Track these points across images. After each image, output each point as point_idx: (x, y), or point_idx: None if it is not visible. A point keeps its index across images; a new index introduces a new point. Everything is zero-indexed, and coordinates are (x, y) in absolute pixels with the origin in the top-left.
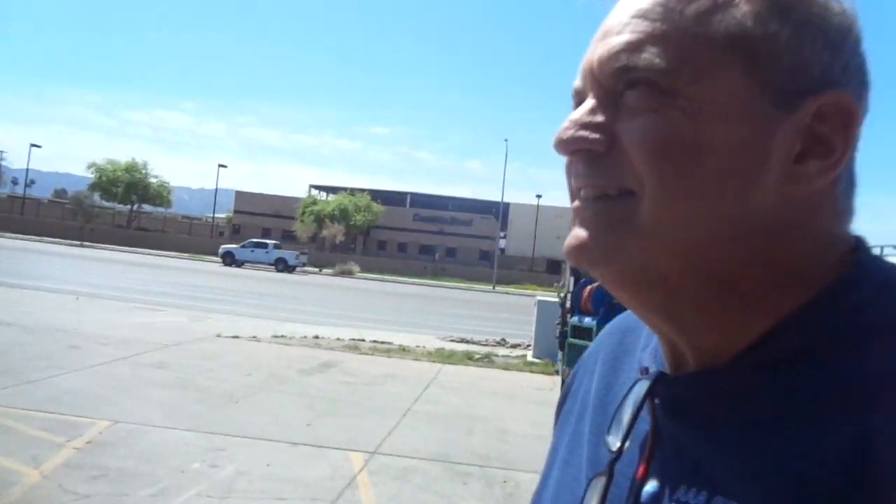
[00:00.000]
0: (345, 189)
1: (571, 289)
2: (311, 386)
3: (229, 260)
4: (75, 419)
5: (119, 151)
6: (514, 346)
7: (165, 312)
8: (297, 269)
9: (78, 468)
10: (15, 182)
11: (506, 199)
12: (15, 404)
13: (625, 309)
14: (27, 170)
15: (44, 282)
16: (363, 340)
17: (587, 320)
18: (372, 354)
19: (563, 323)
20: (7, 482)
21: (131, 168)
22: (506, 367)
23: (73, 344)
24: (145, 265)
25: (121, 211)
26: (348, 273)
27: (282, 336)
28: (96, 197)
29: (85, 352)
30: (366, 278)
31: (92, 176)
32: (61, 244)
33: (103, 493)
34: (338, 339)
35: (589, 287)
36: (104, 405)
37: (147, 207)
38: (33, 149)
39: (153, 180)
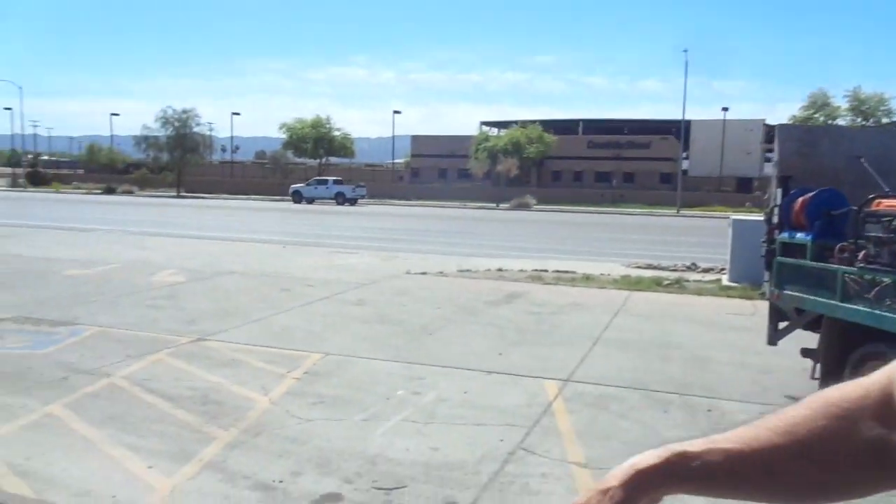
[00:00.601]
0: (515, 122)
1: (779, 202)
2: (500, 317)
3: (298, 198)
4: (292, 353)
5: (304, 110)
6: (706, 271)
7: (359, 254)
8: (358, 200)
9: (299, 396)
10: (223, 149)
11: (687, 117)
12: (243, 341)
13: (845, 221)
14: (231, 137)
15: (255, 234)
16: (546, 271)
17: (799, 236)
18: (556, 284)
19: (770, 241)
20: (245, 407)
21: (316, 124)
22: (699, 293)
23: (285, 287)
24: (334, 213)
25: (311, 165)
26: (525, 206)
27: (467, 270)
28: (290, 154)
29: (294, 293)
30: (543, 210)
31: (284, 136)
32: (264, 200)
33: (323, 418)
34: (521, 270)
35: (802, 198)
36: (315, 340)
37: (333, 159)
38: (234, 117)
39: (336, 133)
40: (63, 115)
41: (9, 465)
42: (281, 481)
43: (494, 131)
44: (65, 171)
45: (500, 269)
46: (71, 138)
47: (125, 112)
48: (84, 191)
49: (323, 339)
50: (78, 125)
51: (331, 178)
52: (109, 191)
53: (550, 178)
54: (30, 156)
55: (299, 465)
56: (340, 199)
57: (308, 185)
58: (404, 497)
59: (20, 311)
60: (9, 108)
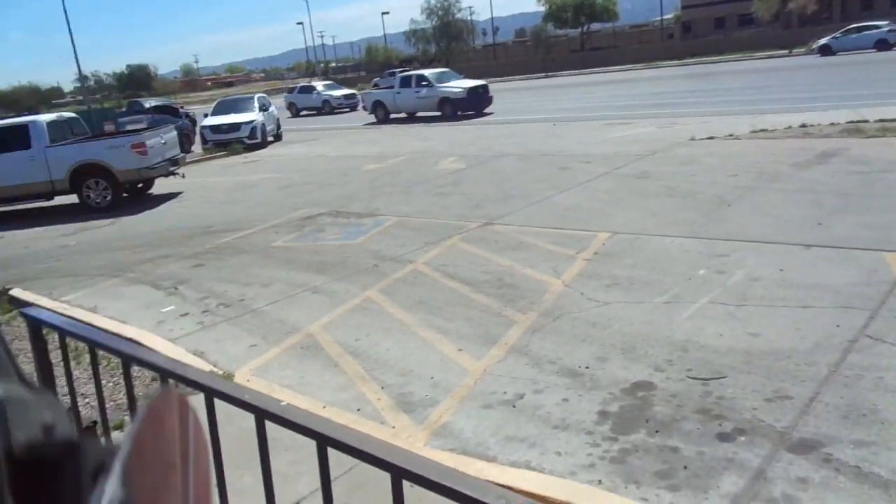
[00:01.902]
0: None
1: None
2: (811, 180)
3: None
4: (578, 233)
5: None
6: None
7: (633, 125)
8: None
9: (593, 277)
10: (484, 33)
11: None
12: (528, 223)
13: None
14: (491, 18)
15: (526, 115)
16: (866, 122)
17: None
18: (883, 136)
19: None
20: (539, 291)
21: None
22: None
23: (562, 165)
24: (604, 83)
25: (573, 36)
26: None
27: (761, 130)
28: (550, 27)
29: (573, 171)
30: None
31: (543, 8)
32: (529, 79)
33: (620, 301)
34: (831, 124)
35: None
36: (600, 218)
37: (595, 26)
38: None
39: None
40: (343, 20)
41: (342, 345)
42: (587, 367)
43: None
44: (350, 75)
45: (803, 126)
46: (351, 44)
47: (395, 9)
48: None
49: (608, 216)
50: (355, 29)
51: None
52: None
53: (859, 8)
54: (321, 64)
55: (604, 350)
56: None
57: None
58: (726, 389)
59: (332, 206)
60: (300, 23)
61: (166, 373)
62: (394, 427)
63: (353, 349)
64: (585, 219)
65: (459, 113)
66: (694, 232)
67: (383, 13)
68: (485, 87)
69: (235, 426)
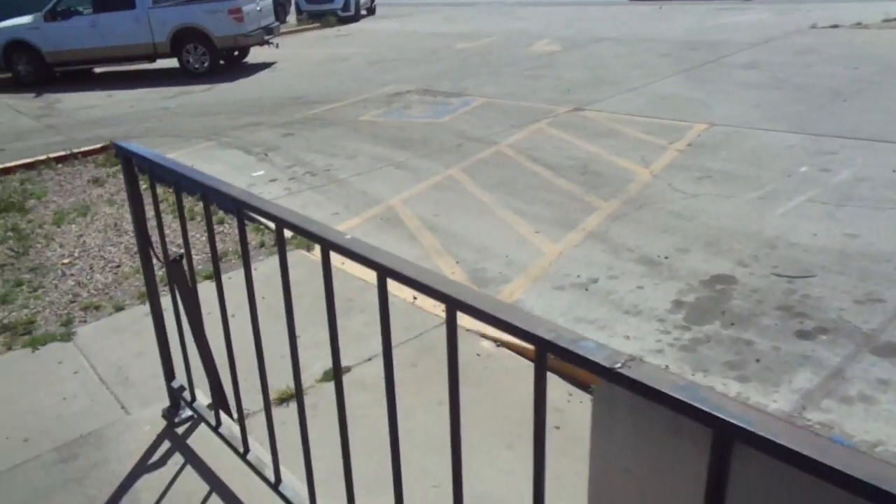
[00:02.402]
0: None
1: None
2: None
3: None
4: (673, 123)
5: None
6: None
7: (748, 10)
8: None
9: (682, 169)
10: None
11: None
12: (620, 110)
13: None
14: None
15: None
16: None
17: None
18: None
19: None
20: (624, 179)
21: None
22: None
23: (664, 52)
24: None
25: None
26: None
27: (895, 19)
28: None
29: (675, 58)
30: None
31: None
32: None
33: (709, 194)
34: None
35: None
36: (699, 109)
37: None
38: None
39: None
40: None
41: (421, 220)
42: (666, 257)
43: None
44: None
45: None
46: None
47: None
48: None
49: (708, 107)
50: None
51: None
52: None
53: None
54: None
55: (685, 241)
56: None
57: None
58: (812, 288)
59: (420, 84)
60: None
61: (242, 204)
62: None
63: (431, 224)
64: (682, 108)
65: None
66: (801, 127)
67: None
68: None
69: (315, 285)
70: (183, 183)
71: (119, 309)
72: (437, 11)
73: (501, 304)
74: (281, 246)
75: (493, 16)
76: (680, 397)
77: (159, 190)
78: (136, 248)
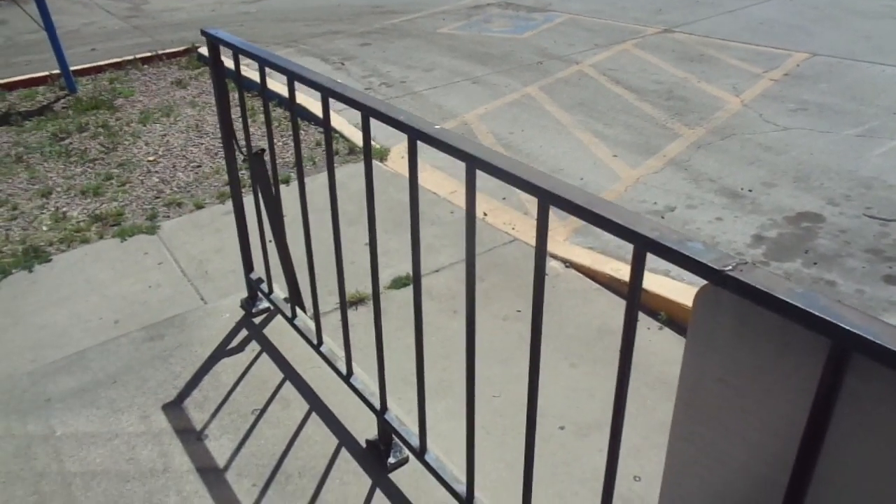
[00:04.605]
0: None
1: None
2: None
3: None
4: (771, 50)
5: None
6: None
7: None
8: None
9: (776, 99)
10: None
11: None
12: (714, 34)
13: None
14: None
15: None
16: None
17: None
18: None
19: None
20: (712, 107)
21: None
22: None
23: None
24: None
25: None
26: None
27: None
28: None
29: None
30: None
31: None
32: None
33: (803, 128)
34: None
35: None
36: (801, 36)
37: None
38: None
39: None
40: None
41: (496, 137)
42: (750, 190)
43: None
44: None
45: None
46: None
47: None
48: None
49: (811, 35)
50: None
51: None
52: None
53: None
54: None
55: (773, 176)
56: None
57: None
58: None
59: None
60: None
61: (328, 91)
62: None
63: (506, 141)
64: (783, 35)
65: None
66: None
67: None
68: None
69: (386, 196)
70: (268, 68)
71: (199, 207)
72: None
73: (597, 199)
74: (366, 134)
75: None
76: (797, 304)
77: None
78: (216, 150)
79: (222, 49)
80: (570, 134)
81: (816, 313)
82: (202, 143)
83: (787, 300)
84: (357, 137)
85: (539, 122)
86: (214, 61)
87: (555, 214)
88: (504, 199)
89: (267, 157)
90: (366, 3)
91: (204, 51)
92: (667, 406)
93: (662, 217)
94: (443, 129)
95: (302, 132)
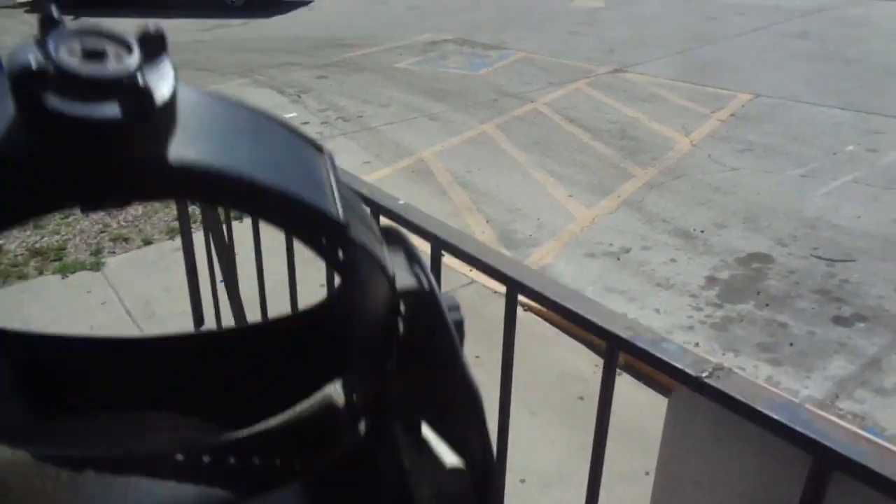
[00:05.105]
0: None
1: None
2: None
3: None
4: (717, 91)
5: None
6: None
7: None
8: None
9: (724, 140)
10: None
11: None
12: (663, 74)
13: None
14: None
15: None
16: None
17: None
18: None
19: None
20: (663, 147)
21: None
22: None
23: (710, 14)
24: None
25: None
26: None
27: None
28: None
29: (722, 22)
30: None
31: None
32: None
33: (750, 168)
34: None
35: None
36: (745, 77)
37: None
38: None
39: None
40: None
41: (453, 175)
42: (702, 231)
43: None
44: None
45: None
46: None
47: None
48: None
49: (754, 76)
50: None
51: None
52: None
53: None
54: None
55: (723, 216)
56: None
57: None
58: (852, 273)
59: (459, 33)
60: None
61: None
62: None
63: (463, 180)
64: (727, 76)
65: None
66: (850, 104)
67: None
68: None
69: None
70: None
71: (147, 242)
72: None
73: (570, 291)
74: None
75: None
76: (778, 418)
77: None
78: None
79: None
80: (526, 173)
81: (798, 429)
82: None
83: (768, 413)
84: None
85: (496, 160)
86: None
87: (512, 256)
88: None
89: None
90: (323, 35)
91: None
92: (626, 457)
93: (618, 259)
94: (408, 206)
95: None
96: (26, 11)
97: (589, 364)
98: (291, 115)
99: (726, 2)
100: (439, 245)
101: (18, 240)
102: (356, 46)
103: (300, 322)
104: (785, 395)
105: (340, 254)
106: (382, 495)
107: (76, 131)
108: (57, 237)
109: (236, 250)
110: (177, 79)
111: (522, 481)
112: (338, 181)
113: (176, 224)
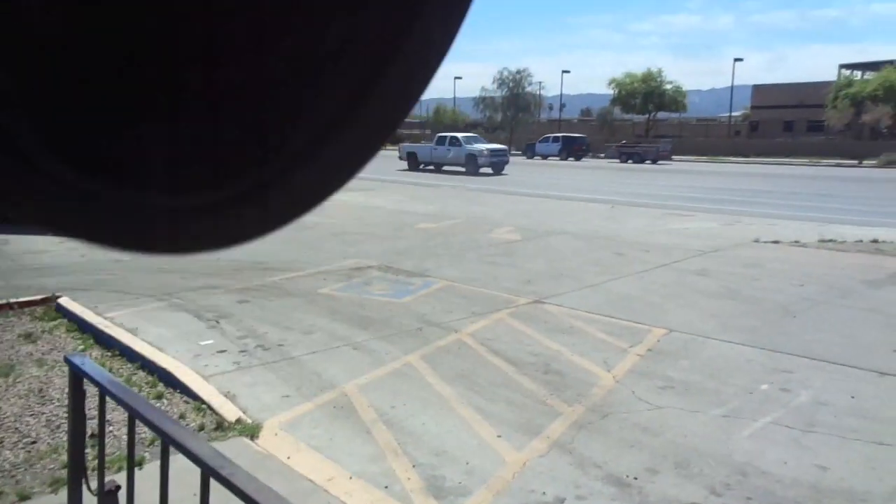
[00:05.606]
0: (889, 62)
1: None
2: (886, 301)
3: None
4: (632, 325)
5: (630, 64)
6: None
7: (695, 218)
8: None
9: (644, 375)
10: (551, 108)
11: None
12: (580, 307)
13: None
14: (560, 95)
15: (580, 193)
16: None
17: None
18: None
19: None
20: (587, 383)
21: (647, 78)
22: None
23: (618, 251)
24: (667, 171)
25: (638, 121)
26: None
27: (830, 240)
28: (617, 111)
29: (629, 259)
30: None
31: (612, 92)
32: (594, 159)
33: (674, 407)
34: None
35: None
36: (657, 312)
37: (662, 115)
38: (564, 75)
39: (667, 87)
40: None
41: (377, 411)
42: (636, 478)
43: (858, 75)
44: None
45: (875, 241)
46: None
47: (467, 75)
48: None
49: (665, 311)
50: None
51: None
52: None
53: None
54: None
55: (654, 460)
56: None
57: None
58: None
59: (382, 260)
60: None
61: (213, 472)
62: None
63: (387, 417)
64: (640, 311)
65: (481, 169)
66: (756, 341)
67: (456, 78)
68: (504, 150)
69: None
70: (138, 420)
71: (24, 498)
72: (402, 189)
73: None
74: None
75: (456, 199)
76: None
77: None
78: (58, 422)
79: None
80: (452, 409)
81: None
82: (43, 413)
83: None
84: (227, 409)
85: (421, 394)
86: (74, 390)
87: (445, 503)
88: (386, 487)
89: (122, 494)
90: (247, 258)
91: (64, 302)
92: None
93: None
94: (239, 471)
95: (165, 401)
96: None
97: None
98: (208, 342)
99: (631, 239)
100: None
101: None
102: (280, 270)
103: None
104: None
105: None
106: None
107: None
108: None
109: None
110: None
111: None
112: None
113: (63, 474)
